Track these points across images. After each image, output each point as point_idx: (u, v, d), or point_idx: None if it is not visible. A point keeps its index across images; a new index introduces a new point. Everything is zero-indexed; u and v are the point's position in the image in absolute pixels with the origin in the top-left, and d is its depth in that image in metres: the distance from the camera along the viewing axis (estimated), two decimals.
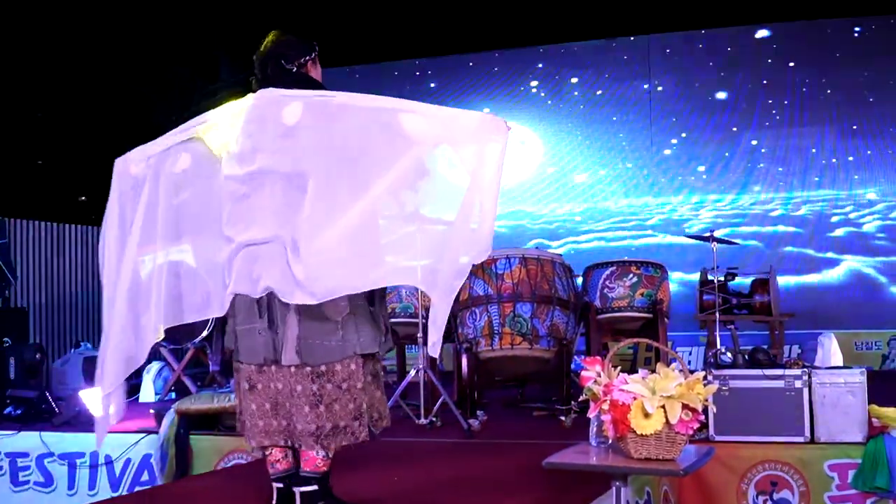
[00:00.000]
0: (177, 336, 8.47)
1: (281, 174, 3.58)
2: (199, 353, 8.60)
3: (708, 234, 7.60)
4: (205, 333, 8.11)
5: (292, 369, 3.70)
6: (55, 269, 10.58)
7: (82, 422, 6.73)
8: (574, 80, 11.94)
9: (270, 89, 3.68)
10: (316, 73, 3.94)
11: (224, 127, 3.72)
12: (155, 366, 8.56)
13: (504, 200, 11.72)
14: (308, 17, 10.19)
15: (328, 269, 3.49)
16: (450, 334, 7.17)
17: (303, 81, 3.78)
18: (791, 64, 11.30)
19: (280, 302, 3.63)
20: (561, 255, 7.15)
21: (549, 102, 12.03)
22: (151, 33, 10.12)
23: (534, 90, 12.09)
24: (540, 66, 12.05)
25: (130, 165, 3.92)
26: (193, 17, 10.83)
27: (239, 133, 3.66)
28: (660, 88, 11.73)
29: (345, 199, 3.52)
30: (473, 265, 6.74)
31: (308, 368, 3.69)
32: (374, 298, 3.85)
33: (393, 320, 7.11)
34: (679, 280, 10.54)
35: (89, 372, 8.35)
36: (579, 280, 7.23)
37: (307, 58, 3.87)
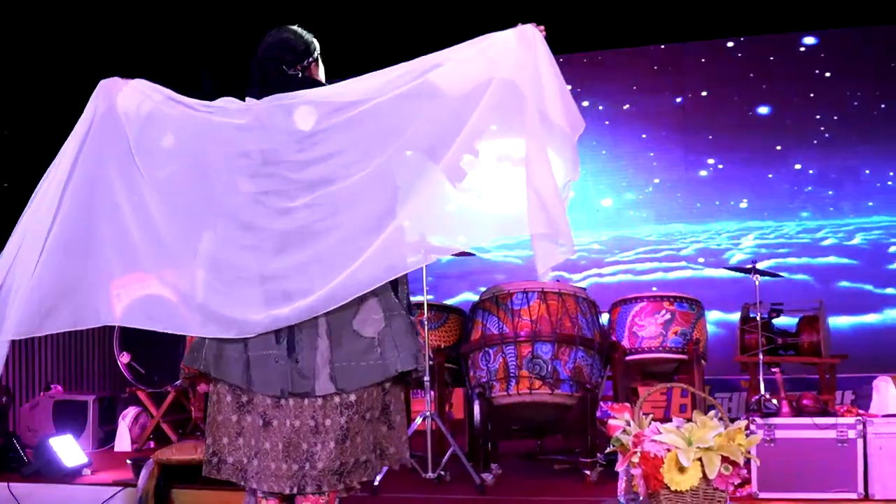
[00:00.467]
0: (155, 377, 8.53)
1: (303, 186, 3.69)
2: (180, 396, 8.64)
3: (749, 266, 7.61)
4: None
5: (319, 402, 3.72)
6: None
7: (54, 472, 6.77)
8: (598, 92, 11.94)
9: (274, 96, 3.78)
10: (319, 73, 4.06)
11: (225, 128, 3.80)
12: (131, 411, 8.59)
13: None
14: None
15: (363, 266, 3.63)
16: (459, 378, 7.18)
17: (308, 86, 3.86)
18: (840, 75, 11.30)
19: (305, 325, 3.72)
20: (584, 288, 7.17)
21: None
22: (128, 46, 10.23)
23: None
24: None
25: (121, 95, 3.93)
26: (173, 29, 11.00)
27: (243, 143, 3.76)
28: (696, 100, 11.74)
29: (386, 203, 3.70)
30: (485, 300, 6.79)
31: (337, 399, 3.71)
32: (409, 305, 3.93)
33: None
34: (717, 318, 10.55)
35: (61, 418, 8.43)
36: (605, 317, 7.25)
37: (310, 59, 3.97)
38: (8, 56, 9.56)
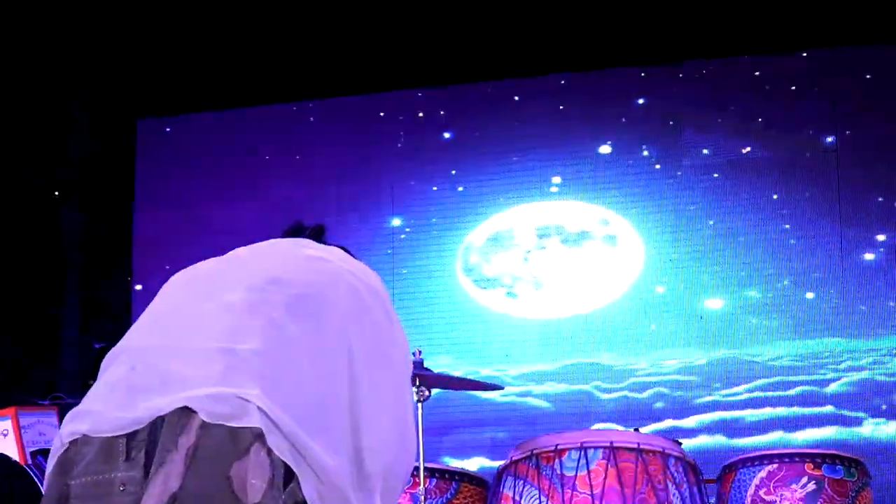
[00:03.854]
0: None
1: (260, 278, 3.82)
2: None
3: None
4: None
5: None
6: None
7: None
8: (700, 125, 11.95)
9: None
10: None
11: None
12: None
13: (555, 346, 11.97)
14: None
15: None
16: None
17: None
18: None
19: (167, 436, 3.49)
20: (679, 443, 7.42)
21: (658, 166, 12.09)
22: None
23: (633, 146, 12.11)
24: (641, 101, 12.09)
25: None
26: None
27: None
28: (858, 141, 11.71)
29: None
30: (519, 461, 6.88)
31: None
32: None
33: None
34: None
35: None
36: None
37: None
38: None
